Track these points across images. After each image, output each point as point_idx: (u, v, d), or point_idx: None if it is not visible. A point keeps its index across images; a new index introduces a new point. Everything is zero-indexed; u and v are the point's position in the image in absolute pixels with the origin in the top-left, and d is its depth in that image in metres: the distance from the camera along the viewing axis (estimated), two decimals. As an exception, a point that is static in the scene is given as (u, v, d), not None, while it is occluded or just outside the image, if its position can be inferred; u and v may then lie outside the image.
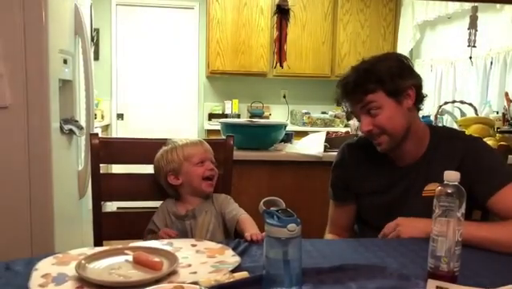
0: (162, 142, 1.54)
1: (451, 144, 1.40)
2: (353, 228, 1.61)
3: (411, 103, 1.36)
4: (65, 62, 2.36)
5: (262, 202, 0.98)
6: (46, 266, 1.03)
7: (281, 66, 2.64)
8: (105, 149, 1.59)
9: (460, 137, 1.45)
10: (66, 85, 2.44)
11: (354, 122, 2.76)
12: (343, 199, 1.57)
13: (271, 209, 0.95)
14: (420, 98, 1.40)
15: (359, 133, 1.84)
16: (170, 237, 1.33)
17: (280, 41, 2.54)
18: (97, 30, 4.62)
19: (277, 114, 5.14)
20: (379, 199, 1.46)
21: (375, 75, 1.34)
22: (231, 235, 1.42)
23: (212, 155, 1.52)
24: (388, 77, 1.33)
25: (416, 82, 1.38)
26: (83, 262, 1.02)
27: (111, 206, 4.14)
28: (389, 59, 1.40)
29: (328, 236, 1.61)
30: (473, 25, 3.04)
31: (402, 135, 1.37)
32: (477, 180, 1.30)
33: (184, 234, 1.42)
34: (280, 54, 2.55)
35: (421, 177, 1.40)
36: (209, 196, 1.50)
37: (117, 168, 3.40)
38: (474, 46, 3.08)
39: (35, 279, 0.95)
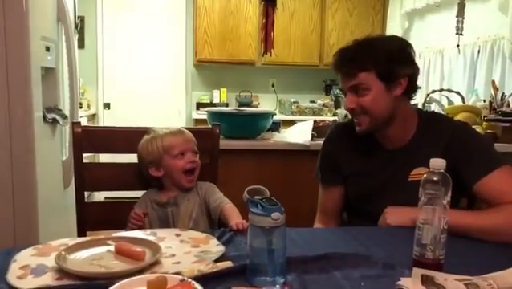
0: (145, 131, 1.52)
1: (439, 129, 1.40)
2: (342, 215, 1.60)
3: (400, 92, 1.35)
4: (47, 49, 2.31)
5: (246, 191, 0.97)
6: (25, 258, 1.00)
7: (267, 53, 2.62)
8: (88, 138, 1.56)
9: (448, 122, 1.45)
10: (49, 73, 2.39)
11: (342, 111, 2.75)
12: (330, 181, 1.56)
13: (255, 197, 0.93)
14: (412, 88, 1.38)
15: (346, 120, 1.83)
16: (139, 216, 1.33)
17: (267, 28, 2.51)
18: (82, 18, 4.53)
19: (265, 103, 5.12)
20: (366, 181, 1.46)
21: (374, 54, 1.32)
22: (215, 224, 1.41)
23: (194, 144, 1.48)
24: (385, 59, 1.32)
25: (412, 72, 1.36)
26: (63, 253, 1.00)
27: (98, 196, 4.11)
28: (393, 42, 1.39)
29: (317, 225, 1.60)
30: (460, 13, 3.04)
31: (383, 120, 1.36)
32: (464, 163, 1.30)
33: (165, 221, 1.40)
34: (267, 42, 2.52)
35: (409, 160, 1.39)
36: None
37: (104, 158, 3.36)
38: (461, 34, 3.08)
39: (13, 271, 0.93)
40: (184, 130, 1.51)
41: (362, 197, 1.48)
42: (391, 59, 1.32)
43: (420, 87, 1.42)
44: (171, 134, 1.46)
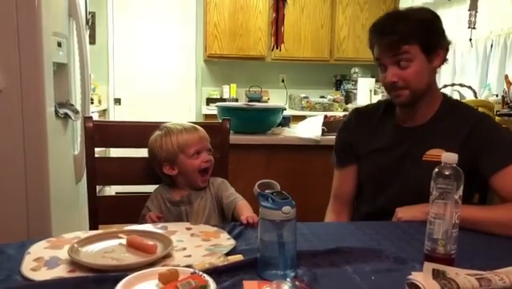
0: (156, 125, 1.51)
1: (460, 115, 1.38)
2: (354, 203, 1.59)
3: (439, 63, 1.35)
4: (59, 45, 2.33)
5: (256, 185, 0.96)
6: (38, 250, 1.02)
7: (278, 48, 2.61)
8: (100, 133, 1.57)
9: (471, 111, 1.43)
10: (60, 68, 2.41)
11: (352, 106, 2.73)
12: (344, 161, 1.55)
13: (266, 191, 0.93)
14: (445, 59, 1.38)
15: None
16: (153, 220, 1.31)
17: (277, 23, 2.50)
18: (93, 14, 4.56)
19: (275, 98, 5.11)
20: (379, 158, 1.45)
21: (416, 26, 1.31)
22: (228, 220, 1.40)
23: (208, 141, 1.47)
24: (426, 31, 1.31)
25: (447, 44, 1.37)
26: (75, 245, 1.01)
27: (109, 191, 4.15)
28: (427, 13, 1.37)
29: (330, 214, 1.59)
30: (473, 6, 3.00)
31: (423, 92, 1.36)
32: (484, 153, 1.28)
33: (179, 220, 1.39)
34: (277, 37, 2.51)
35: (425, 140, 1.37)
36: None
37: (116, 153, 3.39)
38: (474, 28, 3.04)
39: (28, 263, 0.94)
40: (198, 127, 1.48)
41: (374, 174, 1.47)
42: (431, 30, 1.32)
43: (448, 59, 1.41)
44: (186, 132, 1.44)
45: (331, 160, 1.61)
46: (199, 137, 1.44)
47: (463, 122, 1.36)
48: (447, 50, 1.37)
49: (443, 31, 1.36)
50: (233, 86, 4.99)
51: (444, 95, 1.46)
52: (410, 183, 1.33)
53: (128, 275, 0.84)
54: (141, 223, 1.39)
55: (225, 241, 1.09)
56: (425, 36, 1.31)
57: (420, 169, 1.24)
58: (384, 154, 1.44)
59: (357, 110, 1.58)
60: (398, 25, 1.32)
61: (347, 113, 2.92)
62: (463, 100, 2.81)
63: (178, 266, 0.90)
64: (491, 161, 1.28)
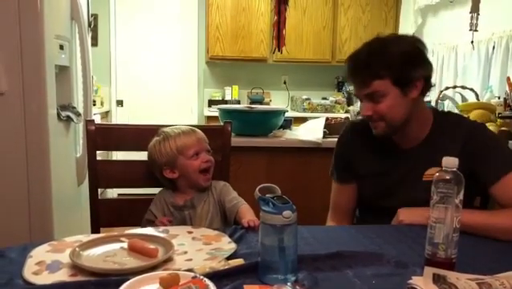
0: (160, 128, 1.52)
1: (454, 129, 1.38)
2: (354, 213, 1.60)
3: (416, 94, 1.33)
4: (61, 47, 2.34)
5: (257, 189, 0.97)
6: (40, 254, 1.02)
7: (279, 50, 2.61)
8: (102, 136, 1.57)
9: (464, 122, 1.43)
10: (63, 71, 2.42)
11: (354, 108, 2.74)
12: (344, 179, 1.56)
13: (267, 195, 0.93)
14: (427, 88, 1.36)
15: (360, 117, 1.82)
16: (164, 225, 1.31)
17: (279, 25, 2.51)
18: (95, 16, 4.57)
19: (277, 100, 5.11)
20: (380, 181, 1.45)
21: (388, 60, 1.29)
22: (230, 224, 1.39)
23: (206, 143, 1.48)
24: (399, 65, 1.29)
25: (427, 73, 1.34)
26: (77, 249, 1.01)
27: (111, 193, 4.16)
28: (405, 43, 1.34)
29: (330, 223, 1.60)
30: (475, 8, 2.99)
31: (400, 123, 1.35)
32: (479, 166, 1.29)
33: (183, 224, 1.39)
34: (279, 39, 2.52)
35: (423, 160, 1.38)
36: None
37: (118, 155, 3.39)
38: (476, 31, 3.04)
39: (29, 267, 0.95)
40: (196, 129, 1.49)
41: (376, 196, 1.47)
42: (405, 63, 1.29)
43: (434, 85, 1.40)
44: (184, 134, 1.45)
45: (330, 171, 1.61)
46: (197, 139, 1.45)
47: (457, 136, 1.36)
48: (428, 78, 1.34)
49: (423, 60, 1.34)
50: (235, 88, 5.00)
51: (435, 112, 1.45)
52: (412, 204, 1.32)
53: (129, 279, 0.84)
54: (145, 227, 1.39)
55: (227, 245, 1.09)
56: (398, 69, 1.29)
57: (421, 190, 1.23)
58: (384, 178, 1.44)
59: (352, 124, 1.57)
60: (370, 60, 1.31)
61: (348, 115, 2.93)
62: (465, 103, 2.81)
63: (179, 270, 0.91)
64: (490, 171, 1.29)
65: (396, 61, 1.29)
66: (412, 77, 1.31)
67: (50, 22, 2.11)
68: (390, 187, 1.42)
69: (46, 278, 0.90)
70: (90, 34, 2.92)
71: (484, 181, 1.30)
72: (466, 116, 2.32)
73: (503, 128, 2.41)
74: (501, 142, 1.41)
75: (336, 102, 4.75)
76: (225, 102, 4.83)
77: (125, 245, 1.06)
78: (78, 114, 2.51)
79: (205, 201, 1.44)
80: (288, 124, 2.71)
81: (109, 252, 1.04)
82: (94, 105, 3.81)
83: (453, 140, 1.35)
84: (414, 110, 1.36)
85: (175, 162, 1.42)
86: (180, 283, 0.81)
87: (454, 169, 0.94)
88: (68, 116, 2.37)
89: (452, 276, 0.87)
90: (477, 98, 2.93)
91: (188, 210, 1.42)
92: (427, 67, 1.35)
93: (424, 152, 1.39)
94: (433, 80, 1.39)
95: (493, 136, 1.41)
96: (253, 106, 2.86)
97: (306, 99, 4.75)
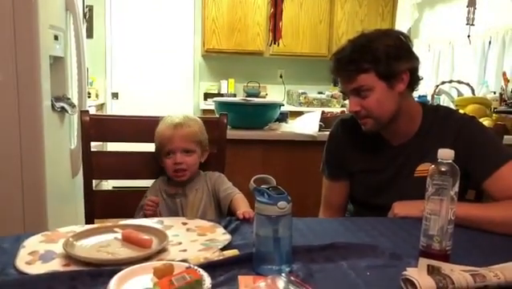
0: (154, 120, 1.51)
1: (445, 124, 1.38)
2: (346, 208, 1.60)
3: (403, 87, 1.32)
4: (56, 38, 2.31)
5: (252, 180, 0.96)
6: (33, 244, 1.02)
7: (276, 43, 2.60)
8: (96, 127, 1.56)
9: (454, 116, 1.42)
10: (57, 62, 2.40)
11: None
12: (335, 176, 1.56)
13: (262, 186, 0.93)
14: (414, 81, 1.35)
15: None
16: (153, 203, 1.32)
17: (275, 18, 2.49)
18: (90, 8, 4.53)
19: (273, 94, 5.10)
20: (372, 179, 1.45)
21: (371, 54, 1.28)
22: (224, 214, 1.40)
23: (188, 142, 1.41)
24: (383, 58, 1.28)
25: (412, 65, 1.33)
26: (70, 239, 1.01)
27: (106, 185, 4.15)
28: (388, 37, 1.33)
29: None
30: (471, 2, 3.00)
31: (389, 118, 1.35)
32: (471, 161, 1.28)
33: (174, 211, 1.41)
34: (275, 32, 2.51)
35: (414, 156, 1.38)
36: (200, 173, 1.48)
37: (112, 147, 3.37)
38: (472, 25, 3.04)
39: (22, 257, 0.94)
40: (185, 124, 1.43)
41: (368, 193, 1.48)
42: (389, 57, 1.28)
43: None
44: (167, 128, 1.42)
45: (321, 168, 1.60)
46: (175, 137, 1.40)
47: (448, 131, 1.35)
48: (414, 71, 1.34)
49: (408, 53, 1.33)
50: (231, 81, 4.98)
51: (424, 106, 1.44)
52: (405, 200, 1.31)
53: (122, 269, 0.84)
54: (139, 213, 1.39)
55: (221, 236, 1.09)
56: (383, 62, 1.28)
57: (413, 186, 1.23)
58: (376, 175, 1.44)
59: (342, 120, 1.56)
60: (354, 55, 1.30)
61: (344, 109, 2.93)
62: (461, 98, 2.81)
63: (173, 260, 0.90)
64: (482, 167, 1.29)
65: (380, 54, 1.28)
66: (397, 70, 1.30)
67: (44, 11, 2.08)
68: (381, 184, 1.43)
69: (39, 268, 0.89)
70: (85, 26, 2.89)
71: (476, 177, 1.30)
72: (462, 111, 2.32)
73: (499, 123, 2.41)
74: (490, 135, 1.40)
75: (332, 96, 4.75)
76: (221, 95, 4.81)
77: (119, 235, 1.06)
78: (72, 105, 2.49)
79: (197, 189, 1.44)
80: (284, 117, 2.71)
81: (103, 242, 1.04)
82: (89, 97, 3.79)
83: (443, 136, 1.34)
84: (402, 104, 1.35)
85: (159, 153, 1.44)
86: (174, 273, 0.80)
87: (450, 161, 0.94)
88: (63, 108, 2.36)
89: (446, 268, 0.87)
90: (473, 92, 2.94)
91: (180, 198, 1.43)
92: (412, 59, 1.34)
93: (415, 148, 1.39)
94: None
95: (482, 130, 1.40)
96: (249, 99, 2.85)
97: (302, 93, 4.74)
